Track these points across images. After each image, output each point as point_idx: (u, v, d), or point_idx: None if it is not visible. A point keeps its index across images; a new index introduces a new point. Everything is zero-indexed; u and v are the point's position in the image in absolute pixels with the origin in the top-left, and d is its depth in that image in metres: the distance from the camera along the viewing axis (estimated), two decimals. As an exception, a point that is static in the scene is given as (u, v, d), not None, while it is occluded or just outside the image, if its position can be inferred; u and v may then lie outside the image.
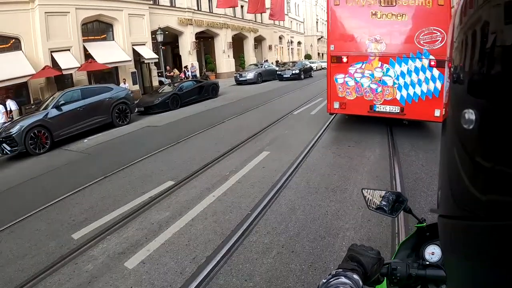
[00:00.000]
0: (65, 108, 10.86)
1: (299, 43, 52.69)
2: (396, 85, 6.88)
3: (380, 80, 6.99)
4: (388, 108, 7.07)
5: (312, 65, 32.76)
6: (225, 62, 30.91)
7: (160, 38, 19.50)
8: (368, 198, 1.42)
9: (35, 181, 6.94)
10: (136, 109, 14.35)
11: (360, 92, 7.20)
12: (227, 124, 9.90)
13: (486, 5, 0.50)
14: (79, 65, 16.15)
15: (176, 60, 29.47)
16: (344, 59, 7.16)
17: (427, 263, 1.18)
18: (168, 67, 21.55)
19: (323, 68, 34.16)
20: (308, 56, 52.31)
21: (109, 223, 4.28)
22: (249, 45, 35.54)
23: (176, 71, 21.23)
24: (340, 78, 7.31)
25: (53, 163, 8.23)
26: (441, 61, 6.22)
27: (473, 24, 0.54)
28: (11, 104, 13.61)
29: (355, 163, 5.54)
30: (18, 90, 16.06)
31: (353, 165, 5.42)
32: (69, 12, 16.68)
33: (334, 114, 8.71)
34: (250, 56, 35.26)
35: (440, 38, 6.21)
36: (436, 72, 6.41)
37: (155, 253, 3.49)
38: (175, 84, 16.55)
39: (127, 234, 3.94)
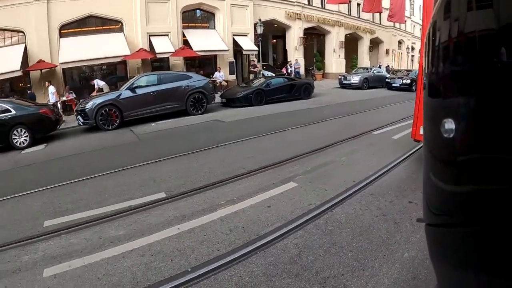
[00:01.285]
0: (139, 91, 11.18)
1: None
2: None
3: None
4: None
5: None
6: (334, 62, 28.73)
7: (259, 30, 18.66)
8: None
9: (74, 157, 7.63)
10: (220, 100, 14.03)
11: None
12: (288, 134, 8.35)
13: (436, 3, 0.53)
14: (173, 51, 16.42)
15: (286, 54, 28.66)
16: None
17: None
18: (253, 62, 20.39)
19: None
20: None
21: (76, 222, 4.03)
22: (363, 46, 32.48)
23: (259, 66, 20.04)
24: None
25: (108, 142, 8.86)
26: None
27: (430, 24, 0.57)
28: (99, 82, 14.63)
29: (398, 237, 3.38)
30: (116, 68, 17.69)
31: (392, 242, 3.27)
32: (169, 0, 17.04)
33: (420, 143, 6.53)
34: (364, 59, 32.25)
35: None
36: None
37: (69, 273, 3.05)
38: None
39: (74, 240, 3.61)
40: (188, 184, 5.04)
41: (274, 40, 29.68)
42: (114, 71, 18.00)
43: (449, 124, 0.52)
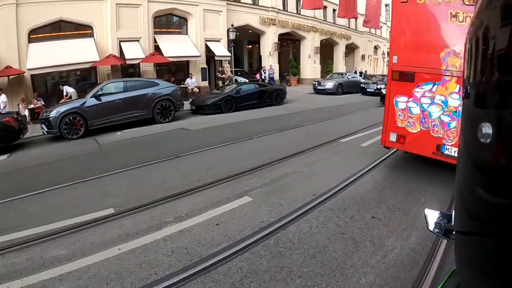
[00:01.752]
0: (104, 99, 10.81)
1: (399, 55, 47.23)
2: None
3: (455, 112, 4.88)
4: None
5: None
6: (309, 67, 28.74)
7: (232, 35, 18.42)
8: (428, 218, 1.30)
9: (34, 168, 7.16)
10: (189, 107, 13.72)
11: (426, 124, 5.20)
12: (253, 142, 8.10)
13: (487, 8, 0.52)
14: (143, 57, 16.02)
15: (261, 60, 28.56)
16: (410, 77, 5.20)
17: None
18: (220, 68, 19.72)
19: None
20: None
21: (22, 239, 3.79)
22: (339, 52, 32.80)
23: (228, 72, 19.43)
24: (401, 101, 5.38)
25: (70, 152, 8.47)
26: None
27: (476, 29, 0.55)
28: (67, 89, 14.16)
29: (355, 259, 3.10)
30: (88, 74, 17.09)
31: (348, 265, 3.00)
32: (140, 5, 16.88)
33: (393, 150, 6.48)
34: (340, 64, 32.55)
35: None
36: None
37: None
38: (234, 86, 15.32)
39: (17, 259, 3.39)
40: (139, 198, 4.76)
41: (250, 46, 29.57)
42: (88, 77, 17.37)
43: (487, 129, 0.51)
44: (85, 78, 17.32)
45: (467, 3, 4.59)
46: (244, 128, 10.05)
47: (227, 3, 20.41)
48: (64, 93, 14.06)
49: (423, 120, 5.26)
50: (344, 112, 13.05)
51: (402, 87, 5.36)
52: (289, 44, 30.90)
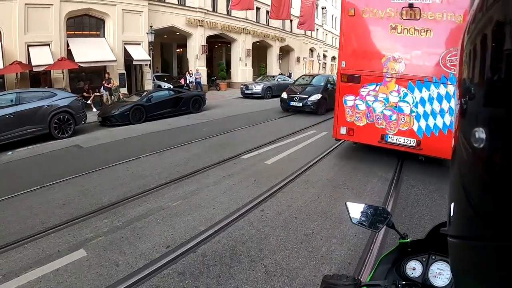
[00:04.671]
0: (-8, 114, 9.62)
1: (333, 58, 48.24)
2: (413, 114, 6.10)
3: (395, 106, 6.25)
4: (402, 140, 6.29)
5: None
6: (241, 70, 28.64)
7: (150, 38, 17.75)
8: (350, 211, 1.40)
9: None
10: (97, 118, 12.99)
11: (371, 118, 6.50)
12: (136, 164, 7.43)
13: (498, 3, 0.48)
14: (52, 63, 14.88)
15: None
16: (356, 79, 6.46)
17: (404, 283, 1.13)
18: (106, 75, 16.96)
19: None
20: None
21: None
22: (273, 54, 33.12)
23: (114, 81, 17.01)
24: (349, 100, 6.63)
25: None
26: None
27: (482, 27, 0.51)
28: None
29: None
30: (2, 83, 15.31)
31: None
32: (52, 5, 15.53)
33: (305, 166, 7.00)
34: (274, 67, 32.86)
35: None
36: None
37: None
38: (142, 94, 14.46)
39: None
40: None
41: (180, 49, 28.76)
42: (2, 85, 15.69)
43: (480, 133, 0.50)
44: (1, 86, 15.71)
45: (405, 18, 5.76)
46: (138, 144, 9.52)
47: (149, 3, 19.50)
48: None
49: (368, 115, 6.43)
50: (263, 119, 12.93)
51: (350, 88, 6.51)
52: (221, 47, 30.60)
